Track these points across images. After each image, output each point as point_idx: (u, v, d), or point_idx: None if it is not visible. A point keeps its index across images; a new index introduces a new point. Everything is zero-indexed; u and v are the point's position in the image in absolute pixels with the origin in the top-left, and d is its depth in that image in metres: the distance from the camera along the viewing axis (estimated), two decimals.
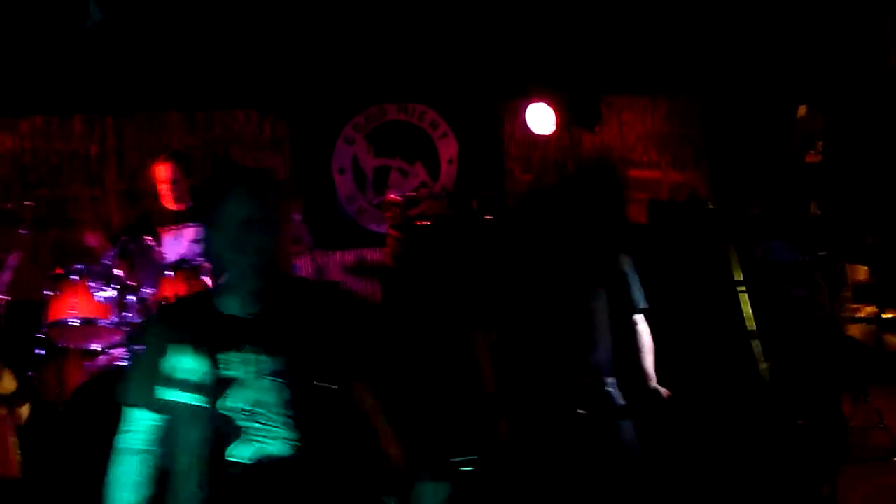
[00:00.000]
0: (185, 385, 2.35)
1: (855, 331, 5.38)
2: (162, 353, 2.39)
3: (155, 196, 6.00)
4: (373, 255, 7.62)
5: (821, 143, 5.95)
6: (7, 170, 6.76)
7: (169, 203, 5.87)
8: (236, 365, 2.35)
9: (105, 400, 4.76)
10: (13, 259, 5.29)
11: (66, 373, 5.28)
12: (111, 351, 5.06)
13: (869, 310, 5.46)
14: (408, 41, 6.96)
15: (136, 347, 2.47)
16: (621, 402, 3.62)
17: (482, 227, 6.67)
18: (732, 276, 3.53)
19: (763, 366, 3.46)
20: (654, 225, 6.53)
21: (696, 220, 3.82)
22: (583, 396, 3.56)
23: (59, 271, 5.11)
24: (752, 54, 5.55)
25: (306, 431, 2.34)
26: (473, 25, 6.88)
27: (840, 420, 5.09)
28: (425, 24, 6.87)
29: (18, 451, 4.00)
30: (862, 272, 5.68)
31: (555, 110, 6.42)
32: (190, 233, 5.85)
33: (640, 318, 3.88)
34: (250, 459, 2.31)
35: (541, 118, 6.54)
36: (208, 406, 2.33)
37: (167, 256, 5.63)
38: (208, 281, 5.25)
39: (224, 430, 2.32)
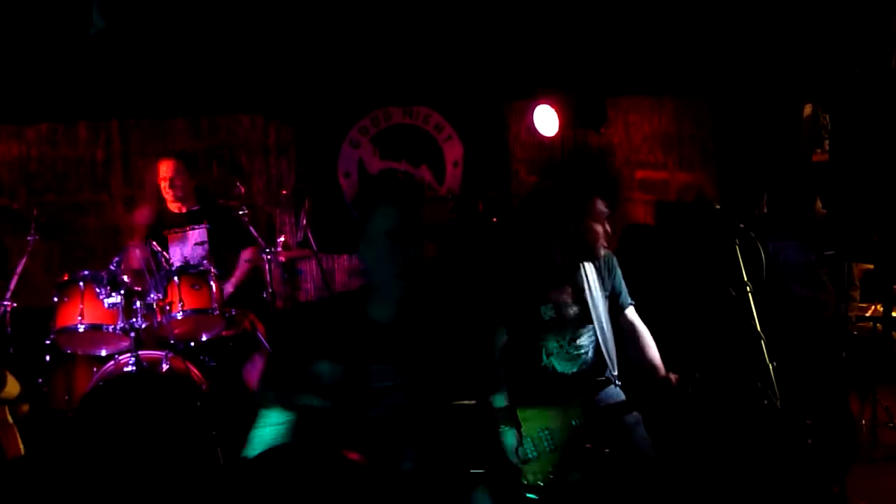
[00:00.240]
0: (322, 390, 2.35)
1: (863, 330, 5.36)
2: (303, 354, 2.39)
3: (160, 199, 6.03)
4: None
5: (827, 141, 5.94)
6: (14, 176, 6.78)
7: (171, 203, 5.88)
8: (377, 374, 2.35)
9: (113, 407, 4.80)
10: (20, 265, 5.30)
11: (75, 379, 5.28)
12: (119, 357, 5.07)
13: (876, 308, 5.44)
14: (412, 44, 6.96)
15: (277, 346, 2.45)
16: (622, 396, 3.63)
17: (488, 230, 6.67)
18: (740, 277, 3.52)
19: (770, 365, 3.45)
20: (661, 226, 6.53)
21: (704, 221, 3.81)
22: (596, 398, 3.56)
23: (66, 277, 5.12)
24: (758, 54, 5.53)
25: (436, 446, 2.33)
26: (477, 28, 6.87)
27: (848, 419, 5.07)
28: (429, 27, 6.87)
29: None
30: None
31: (560, 112, 6.41)
32: (195, 235, 5.86)
33: (633, 313, 3.89)
34: (385, 474, 2.30)
35: (547, 120, 6.53)
36: (344, 412, 2.32)
37: (173, 259, 5.64)
38: (213, 285, 5.26)
39: (357, 438, 2.31)
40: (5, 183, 6.75)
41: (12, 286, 5.26)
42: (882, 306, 5.37)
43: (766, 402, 3.47)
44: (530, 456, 3.22)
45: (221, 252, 5.90)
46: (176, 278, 5.23)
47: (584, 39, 6.46)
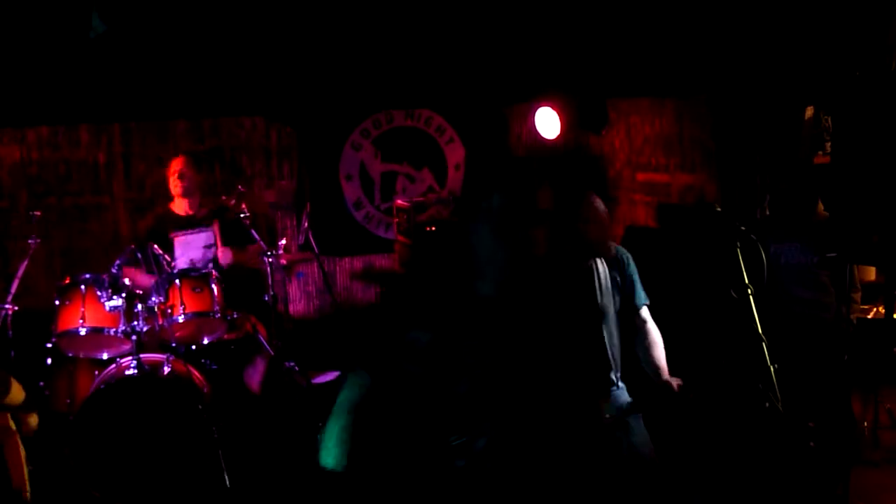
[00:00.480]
0: (416, 359, 2.34)
1: (864, 332, 5.36)
2: (402, 321, 2.33)
3: (164, 202, 6.03)
4: (381, 260, 7.63)
5: (829, 144, 5.93)
6: (15, 179, 6.78)
7: (178, 201, 5.89)
8: (479, 352, 2.32)
9: (115, 410, 4.81)
10: (21, 268, 5.31)
11: (76, 383, 5.28)
12: (120, 360, 5.07)
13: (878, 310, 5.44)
14: (414, 47, 6.95)
15: (378, 311, 2.40)
16: (627, 398, 3.62)
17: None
18: (742, 279, 3.52)
19: (772, 368, 3.45)
20: (662, 228, 6.52)
21: (705, 223, 3.81)
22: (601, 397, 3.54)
23: (67, 281, 5.12)
24: (759, 56, 5.53)
25: (522, 434, 2.30)
26: (479, 31, 6.87)
27: (850, 421, 5.06)
28: (431, 30, 6.86)
29: (27, 465, 3.99)
30: (871, 273, 5.66)
31: (562, 114, 6.41)
32: (202, 238, 5.85)
33: (646, 313, 3.86)
34: (457, 449, 2.28)
35: (548, 122, 6.53)
36: (434, 384, 2.30)
37: (178, 261, 5.64)
38: (215, 288, 5.26)
39: (445, 413, 2.30)
40: (6, 186, 6.75)
41: (14, 289, 5.26)
42: (884, 308, 5.37)
43: (767, 404, 3.47)
44: None
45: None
46: (177, 281, 5.23)
47: (585, 42, 6.45)
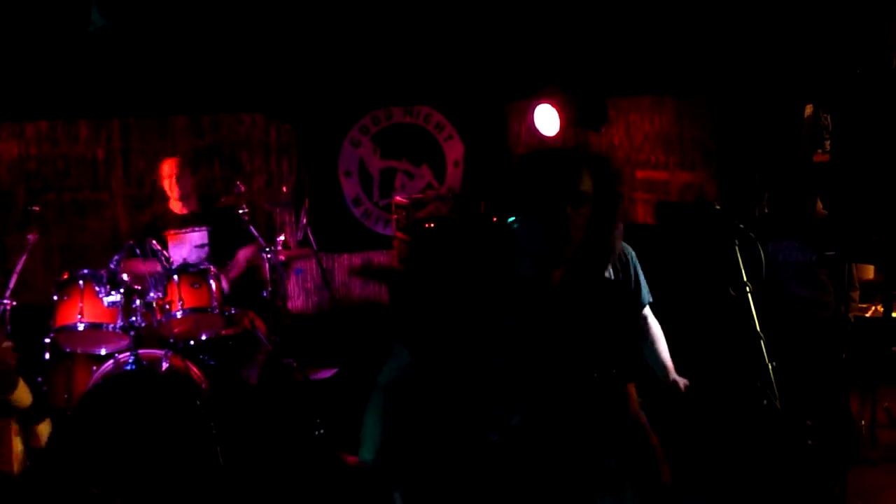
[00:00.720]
0: (460, 336, 2.44)
1: (863, 330, 5.36)
2: (446, 299, 2.50)
3: (162, 199, 6.03)
4: (379, 257, 7.63)
5: (828, 142, 5.93)
6: (14, 175, 6.77)
7: (174, 202, 5.89)
8: (515, 329, 2.42)
9: (113, 405, 4.81)
10: (20, 263, 5.30)
11: (74, 378, 5.28)
12: (118, 356, 5.07)
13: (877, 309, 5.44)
14: (413, 44, 6.95)
15: (427, 291, 2.57)
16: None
17: (489, 229, 6.66)
18: (740, 277, 3.51)
19: (770, 366, 3.44)
20: (662, 226, 6.52)
21: (704, 221, 3.81)
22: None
23: (65, 276, 5.12)
24: (759, 54, 5.53)
25: (556, 414, 2.42)
26: (478, 27, 6.87)
27: (848, 419, 5.07)
28: (430, 26, 6.86)
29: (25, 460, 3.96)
30: (870, 271, 5.67)
31: (561, 111, 6.40)
32: (195, 238, 5.85)
33: (649, 311, 3.86)
34: (491, 424, 2.41)
35: (547, 119, 6.53)
36: (476, 360, 2.42)
37: (173, 260, 5.64)
38: (213, 284, 5.26)
39: (482, 387, 2.41)
40: (5, 181, 6.74)
41: (12, 284, 5.26)
42: (882, 307, 5.37)
43: (765, 402, 3.47)
44: None
45: (220, 254, 5.90)
46: (175, 277, 5.23)
47: (584, 39, 6.45)
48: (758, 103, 5.72)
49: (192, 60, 6.59)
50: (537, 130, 6.68)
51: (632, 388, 2.60)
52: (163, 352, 5.08)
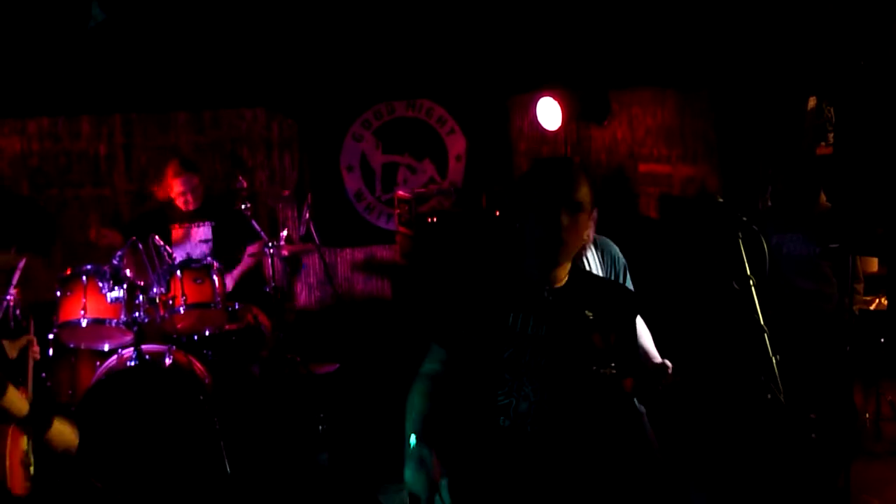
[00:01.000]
0: (475, 332, 2.72)
1: (867, 323, 5.35)
2: (464, 298, 2.78)
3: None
4: (382, 251, 7.63)
5: (832, 135, 5.92)
6: (16, 171, 6.77)
7: (185, 207, 5.88)
8: (522, 325, 2.69)
9: (116, 401, 4.81)
10: (21, 260, 5.29)
11: (78, 374, 5.28)
12: (122, 351, 5.07)
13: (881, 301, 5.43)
14: (415, 38, 6.94)
15: (451, 291, 2.84)
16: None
17: (491, 223, 6.66)
18: (743, 270, 3.50)
19: (773, 359, 3.43)
20: (665, 219, 6.51)
21: (706, 214, 3.81)
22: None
23: (68, 272, 5.12)
24: (762, 47, 5.51)
25: (559, 403, 2.66)
26: (480, 21, 6.86)
27: (852, 413, 5.06)
28: (432, 20, 6.85)
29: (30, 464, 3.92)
30: (873, 264, 5.65)
31: (563, 105, 6.39)
32: (199, 233, 5.86)
33: None
34: (502, 409, 2.67)
35: (550, 113, 6.52)
36: (488, 352, 2.69)
37: (176, 254, 5.64)
38: (216, 279, 5.26)
39: (494, 377, 2.68)
40: (7, 177, 6.74)
41: (15, 280, 5.26)
42: (886, 300, 5.36)
43: (769, 395, 3.46)
44: None
45: (227, 249, 5.90)
46: (178, 272, 5.23)
47: (587, 33, 6.44)
48: (761, 96, 5.70)
49: (193, 56, 6.59)
50: (540, 124, 6.67)
51: (630, 383, 2.76)
52: (166, 347, 5.09)
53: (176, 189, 5.81)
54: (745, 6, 5.48)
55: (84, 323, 4.98)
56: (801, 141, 5.81)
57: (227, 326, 5.48)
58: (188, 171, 5.83)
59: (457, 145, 7.74)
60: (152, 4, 6.23)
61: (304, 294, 7.46)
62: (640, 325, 3.85)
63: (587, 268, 3.69)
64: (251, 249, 5.91)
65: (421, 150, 7.67)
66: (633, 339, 2.84)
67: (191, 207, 5.86)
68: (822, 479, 4.49)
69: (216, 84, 6.87)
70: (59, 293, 5.06)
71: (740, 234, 3.52)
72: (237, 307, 5.54)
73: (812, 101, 5.87)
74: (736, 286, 3.53)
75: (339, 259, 7.57)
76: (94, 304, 5.00)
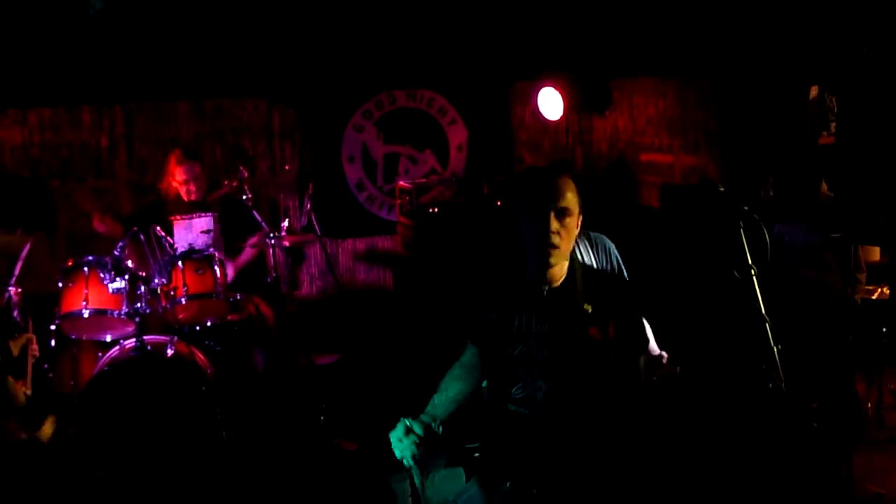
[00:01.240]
0: (490, 331, 3.04)
1: (869, 312, 5.35)
2: (479, 302, 3.09)
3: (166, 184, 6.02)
4: (383, 242, 7.62)
5: (834, 124, 5.90)
6: (17, 162, 6.77)
7: (187, 197, 5.88)
8: (526, 324, 2.97)
9: (118, 391, 4.82)
10: (24, 250, 5.30)
11: (80, 364, 5.29)
12: (124, 342, 5.08)
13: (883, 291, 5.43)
14: (416, 27, 6.93)
15: (478, 298, 3.12)
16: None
17: (493, 213, 6.66)
18: (745, 259, 3.50)
19: (775, 348, 3.43)
20: (666, 208, 6.51)
21: (708, 204, 3.80)
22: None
23: (70, 263, 5.12)
24: (764, 36, 5.50)
25: (569, 389, 2.94)
26: (481, 10, 6.84)
27: (854, 402, 5.06)
28: (433, 9, 6.84)
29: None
30: (876, 253, 5.65)
31: (565, 95, 6.38)
32: (201, 223, 5.85)
33: None
34: (522, 400, 2.98)
35: (551, 103, 6.51)
36: (502, 351, 2.99)
37: (177, 245, 5.64)
38: (217, 270, 5.26)
39: (509, 372, 2.99)
40: (9, 168, 6.74)
41: (17, 272, 5.26)
42: (888, 289, 5.35)
43: (770, 385, 3.46)
44: None
45: (230, 239, 5.91)
46: (180, 263, 5.23)
47: (588, 21, 6.43)
48: (762, 85, 5.69)
49: (194, 46, 6.57)
50: (541, 114, 6.66)
51: (639, 361, 3.06)
52: (168, 338, 5.09)
53: (178, 177, 5.82)
54: None
55: (86, 314, 4.99)
56: (803, 130, 5.80)
57: (228, 317, 5.48)
58: (190, 160, 5.84)
59: (458, 135, 7.73)
60: None
61: (305, 284, 7.46)
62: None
63: (581, 255, 3.70)
64: (252, 240, 5.91)
65: (422, 141, 7.66)
66: (633, 324, 3.05)
67: (193, 197, 5.86)
68: (824, 468, 4.49)
69: (217, 74, 6.85)
70: (60, 284, 5.06)
71: (742, 224, 3.52)
72: (239, 297, 5.54)
73: (814, 91, 5.85)
74: (737, 276, 3.53)
75: (340, 249, 7.57)
76: (95, 294, 5.00)
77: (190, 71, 6.73)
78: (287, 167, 6.99)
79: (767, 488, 4.45)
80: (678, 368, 3.96)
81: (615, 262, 3.89)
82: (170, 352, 4.98)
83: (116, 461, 4.81)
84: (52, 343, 5.14)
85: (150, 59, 6.53)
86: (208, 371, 5.12)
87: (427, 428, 3.05)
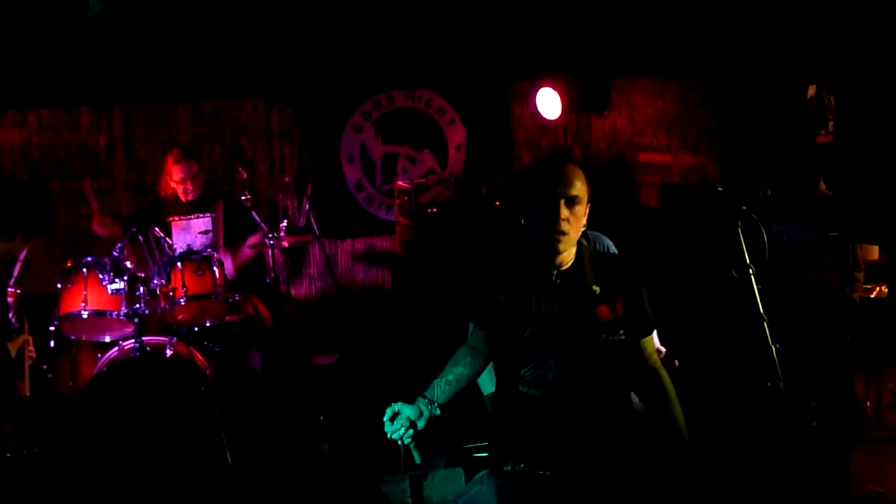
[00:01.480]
0: (499, 314, 3.08)
1: (867, 311, 5.35)
2: (489, 286, 3.14)
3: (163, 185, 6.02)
4: (382, 242, 7.63)
5: (832, 123, 5.91)
6: (16, 163, 6.76)
7: (185, 197, 5.88)
8: (536, 306, 3.03)
9: (118, 392, 4.82)
10: (22, 252, 5.30)
11: (79, 365, 5.29)
12: (123, 343, 5.08)
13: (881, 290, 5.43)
14: (414, 27, 6.93)
15: (486, 282, 3.16)
16: None
17: (491, 213, 6.66)
18: (743, 259, 3.51)
19: (773, 348, 3.44)
20: (665, 208, 6.51)
21: (706, 203, 3.81)
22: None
23: (69, 264, 5.12)
24: (762, 35, 5.50)
25: (580, 369, 3.00)
26: (479, 10, 6.85)
27: (853, 400, 5.06)
28: (431, 10, 6.84)
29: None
30: (874, 252, 5.65)
31: (563, 95, 6.39)
32: (199, 224, 5.86)
33: None
34: (533, 381, 3.03)
35: (549, 103, 6.51)
36: (512, 332, 3.04)
37: (176, 246, 5.64)
38: (216, 270, 5.27)
39: (520, 354, 3.04)
40: (7, 169, 6.74)
41: (16, 273, 5.26)
42: (887, 288, 5.36)
43: (769, 384, 3.47)
44: None
45: (229, 240, 5.91)
46: (179, 264, 5.24)
47: (586, 20, 6.43)
48: (761, 84, 5.69)
49: (192, 47, 6.57)
50: (540, 114, 6.66)
51: (647, 343, 3.12)
52: (167, 338, 5.10)
53: (176, 176, 5.82)
54: None
55: (85, 315, 4.99)
56: (801, 129, 5.80)
57: (227, 317, 5.48)
58: (188, 159, 5.85)
59: (457, 135, 7.73)
60: None
61: (304, 285, 7.46)
62: None
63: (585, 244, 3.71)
64: (251, 241, 5.92)
65: (421, 141, 7.66)
66: (641, 302, 3.08)
67: (190, 197, 5.86)
68: (822, 467, 4.50)
69: (215, 75, 6.85)
70: (59, 285, 5.07)
71: (740, 223, 3.53)
72: (237, 298, 5.54)
73: (812, 90, 5.86)
74: (735, 275, 3.53)
75: (339, 250, 7.57)
76: (94, 295, 5.00)
77: (188, 72, 6.73)
78: (287, 179, 6.99)
79: (766, 487, 4.46)
80: (676, 362, 3.97)
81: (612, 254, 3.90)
82: (169, 352, 4.99)
83: (116, 462, 4.81)
84: (52, 344, 5.14)
85: (149, 60, 6.53)
86: (207, 372, 5.13)
87: (420, 410, 3.08)
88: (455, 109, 7.69)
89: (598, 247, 3.86)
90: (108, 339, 5.24)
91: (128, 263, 5.11)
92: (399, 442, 3.05)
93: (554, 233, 2.95)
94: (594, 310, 3.00)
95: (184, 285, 5.19)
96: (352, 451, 5.27)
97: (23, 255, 5.13)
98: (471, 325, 3.28)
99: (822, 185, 5.07)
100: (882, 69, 5.06)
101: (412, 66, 7.32)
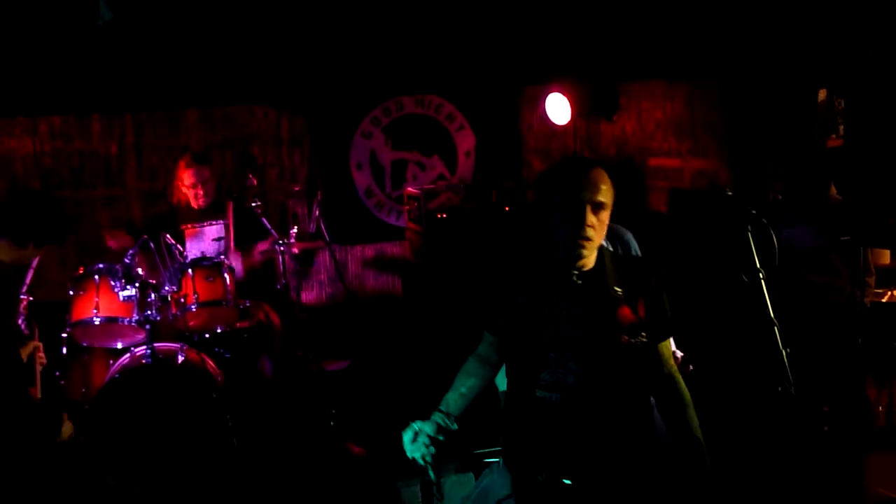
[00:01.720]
0: (518, 317, 3.03)
1: (879, 316, 5.33)
2: (507, 288, 3.09)
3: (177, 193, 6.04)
4: (392, 248, 7.64)
5: (842, 127, 5.89)
6: (29, 171, 6.80)
7: (196, 203, 5.90)
8: (557, 307, 2.99)
9: (129, 399, 4.84)
10: (35, 260, 5.32)
11: (91, 372, 5.31)
12: (134, 349, 5.09)
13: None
14: (423, 34, 6.95)
15: (496, 282, 3.14)
16: None
17: (501, 219, 6.66)
18: (753, 263, 3.50)
19: (784, 352, 3.43)
20: (675, 213, 6.50)
21: (717, 208, 3.81)
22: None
23: (81, 271, 5.15)
24: (772, 39, 5.49)
25: (601, 372, 2.95)
26: (488, 16, 6.86)
27: (865, 405, 5.05)
28: (440, 16, 6.85)
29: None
30: (885, 256, 5.63)
31: (572, 100, 6.39)
32: (212, 231, 5.88)
33: None
34: (552, 385, 2.97)
35: (559, 108, 6.52)
36: (532, 334, 2.99)
37: (188, 253, 5.67)
38: (227, 277, 5.29)
39: (539, 356, 2.98)
40: (20, 178, 6.77)
41: (28, 280, 5.29)
42: None
43: (780, 388, 3.46)
44: None
45: (240, 243, 5.93)
46: (190, 271, 5.26)
47: (595, 25, 6.43)
48: (770, 88, 5.68)
49: (203, 54, 6.60)
50: (549, 120, 6.67)
51: (664, 348, 3.07)
52: (178, 345, 5.11)
53: (187, 181, 5.83)
54: None
55: (97, 321, 5.01)
56: (812, 133, 5.79)
57: (238, 324, 5.50)
58: (199, 163, 5.86)
59: (466, 141, 7.74)
60: (161, 2, 6.25)
61: (314, 291, 7.47)
62: None
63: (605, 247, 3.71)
64: (262, 247, 5.93)
65: (430, 147, 7.68)
66: (662, 305, 3.07)
67: (202, 203, 5.87)
68: (835, 472, 4.48)
69: (226, 82, 6.88)
70: (71, 292, 5.09)
71: (750, 228, 3.52)
72: (248, 304, 5.56)
73: (822, 94, 5.84)
74: (746, 279, 3.53)
75: (349, 256, 7.58)
76: (106, 302, 5.03)
77: (199, 79, 6.77)
78: (297, 188, 7.01)
79: (778, 492, 4.44)
80: (691, 367, 3.97)
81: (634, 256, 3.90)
82: (180, 359, 5.00)
83: (128, 468, 4.83)
84: (64, 351, 5.17)
85: (160, 67, 6.56)
86: (218, 378, 5.14)
87: (439, 425, 3.08)
88: (464, 115, 7.70)
89: (619, 246, 3.88)
90: (119, 346, 5.26)
91: (139, 270, 5.13)
92: (421, 461, 3.05)
93: (579, 238, 2.93)
94: (616, 311, 2.97)
95: (195, 292, 5.21)
96: (364, 454, 5.28)
97: (35, 263, 5.15)
98: (485, 333, 3.24)
99: (833, 189, 5.06)
100: (892, 72, 5.05)
101: (421, 73, 7.34)
